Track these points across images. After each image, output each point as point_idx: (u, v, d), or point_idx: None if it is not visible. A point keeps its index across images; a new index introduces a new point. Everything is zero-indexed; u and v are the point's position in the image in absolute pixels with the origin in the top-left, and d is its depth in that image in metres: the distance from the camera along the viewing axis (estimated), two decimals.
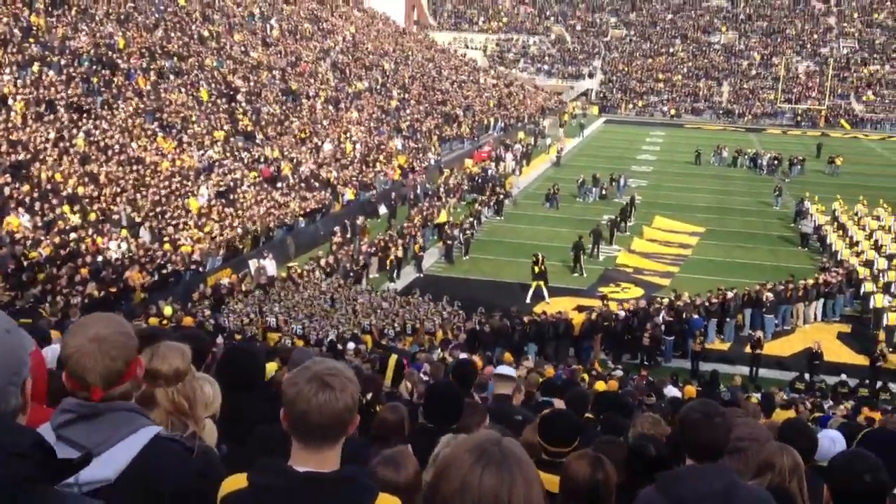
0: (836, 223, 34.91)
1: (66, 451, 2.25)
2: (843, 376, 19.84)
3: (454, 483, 1.74)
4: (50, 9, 35.00)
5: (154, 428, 2.49)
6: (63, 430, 2.37)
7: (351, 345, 18.57)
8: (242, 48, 45.90)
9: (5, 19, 31.91)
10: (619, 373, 18.60)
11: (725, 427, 3.61)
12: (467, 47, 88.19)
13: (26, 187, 24.07)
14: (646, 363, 22.28)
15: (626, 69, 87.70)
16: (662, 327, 22.90)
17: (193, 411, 3.16)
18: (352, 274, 28.17)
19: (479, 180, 43.48)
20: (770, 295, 24.64)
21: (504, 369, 7.40)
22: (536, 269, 27.10)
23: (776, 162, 50.95)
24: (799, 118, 75.66)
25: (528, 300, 27.01)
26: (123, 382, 2.49)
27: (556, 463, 4.45)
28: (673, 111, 79.40)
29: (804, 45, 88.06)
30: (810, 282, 26.03)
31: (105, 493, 2.32)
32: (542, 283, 27.24)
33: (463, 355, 16.44)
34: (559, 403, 7.70)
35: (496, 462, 1.75)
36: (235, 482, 2.48)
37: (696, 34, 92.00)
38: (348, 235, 32.27)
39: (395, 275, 29.13)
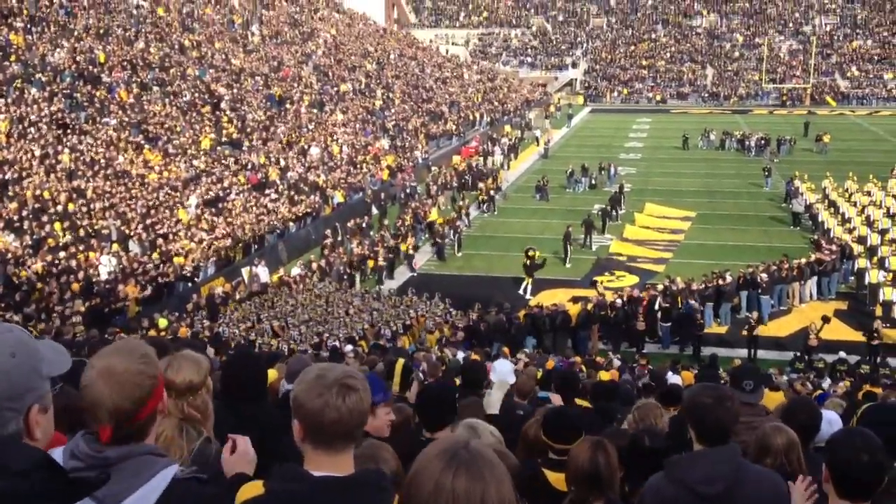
0: (826, 201, 34.92)
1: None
2: (842, 354, 19.81)
3: (427, 488, 1.75)
4: (29, 26, 34.83)
5: (169, 471, 2.35)
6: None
7: (349, 347, 18.52)
8: (224, 56, 45.74)
9: None
10: (618, 362, 18.56)
11: (735, 411, 3.68)
12: (450, 43, 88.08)
13: (13, 206, 23.93)
14: (639, 350, 22.24)
15: (609, 57, 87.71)
16: (659, 314, 22.88)
17: (204, 422, 3.16)
18: (345, 277, 28.10)
19: (468, 176, 43.41)
20: (765, 276, 24.63)
21: (503, 367, 7.35)
22: (526, 262, 27.09)
23: (764, 142, 51.00)
24: (784, 98, 75.74)
25: (521, 292, 27.03)
26: (138, 420, 2.33)
27: (562, 462, 4.44)
28: (658, 97, 79.42)
29: (786, 24, 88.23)
30: (804, 261, 26.04)
31: None
32: (529, 279, 27.23)
33: (461, 353, 16.41)
34: (556, 399, 7.67)
35: (466, 465, 1.76)
36: (252, 489, 2.54)
37: (677, 18, 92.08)
38: (339, 238, 32.19)
39: (383, 276, 29.01)
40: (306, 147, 40.19)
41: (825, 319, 21.73)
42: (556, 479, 4.30)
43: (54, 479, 1.73)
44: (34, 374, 1.86)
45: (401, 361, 6.97)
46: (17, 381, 1.81)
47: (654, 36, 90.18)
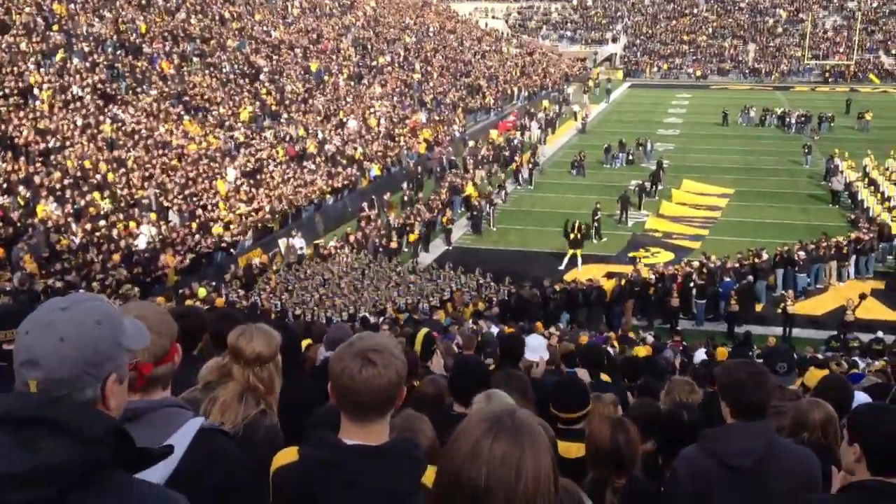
0: (867, 179, 34.45)
1: None
2: (879, 333, 19.64)
3: (465, 449, 1.76)
4: None
5: (196, 421, 2.51)
6: None
7: (382, 319, 18.67)
8: (264, 28, 45.90)
9: (28, 9, 32.11)
10: (651, 338, 18.56)
11: (770, 387, 3.74)
12: (489, 17, 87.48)
13: (56, 175, 24.33)
14: (674, 327, 22.18)
15: (649, 32, 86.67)
16: (694, 290, 22.80)
17: (267, 395, 3.26)
18: (381, 249, 28.27)
19: (506, 150, 43.31)
20: (802, 254, 24.42)
21: (534, 342, 7.41)
22: (572, 235, 27.06)
23: (805, 119, 50.25)
24: (827, 74, 74.41)
25: (561, 267, 27.06)
26: (166, 362, 2.62)
27: (570, 430, 4.50)
28: (698, 72, 78.39)
29: (830, 0, 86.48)
30: (843, 239, 25.76)
31: None
32: (577, 251, 27.22)
33: (494, 327, 16.51)
34: (582, 374, 7.71)
35: (508, 431, 1.76)
36: (287, 456, 2.58)
37: None
38: (376, 211, 32.34)
39: (419, 249, 29.15)
40: (344, 119, 40.30)
41: (862, 297, 21.55)
42: (564, 447, 4.32)
43: (124, 447, 1.78)
44: (116, 345, 1.90)
45: (423, 331, 7.03)
46: (100, 348, 1.85)
47: (695, 11, 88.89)
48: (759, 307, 23.60)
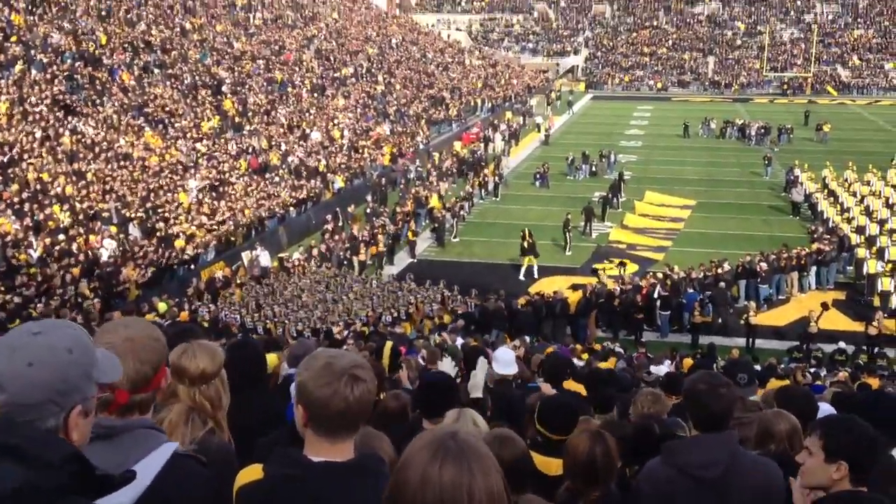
0: (826, 190, 34.92)
1: None
2: (841, 344, 19.86)
3: (414, 479, 1.74)
4: (30, 7, 34.69)
5: (170, 446, 2.45)
6: None
7: (347, 333, 18.55)
8: (225, 39, 45.60)
9: None
10: (618, 350, 18.61)
11: (730, 397, 3.69)
12: (452, 28, 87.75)
13: (14, 188, 23.92)
14: (638, 339, 22.25)
15: (610, 44, 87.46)
16: (658, 302, 22.91)
17: (215, 412, 3.18)
18: (345, 262, 28.12)
19: (469, 162, 43.35)
20: (764, 265, 24.66)
21: (504, 356, 7.36)
22: (525, 244, 27.15)
23: (764, 131, 50.91)
24: (785, 86, 75.55)
25: (521, 277, 27.12)
26: (148, 390, 2.51)
27: (551, 446, 4.46)
28: (659, 84, 79.27)
29: (788, 13, 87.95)
30: (803, 250, 26.07)
31: None
32: (531, 258, 27.30)
33: (459, 339, 16.43)
34: (546, 388, 7.68)
35: (453, 455, 1.74)
36: (251, 473, 2.53)
37: (679, 5, 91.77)
38: (340, 223, 32.18)
39: (384, 261, 29.04)
40: (307, 131, 40.12)
41: (824, 307, 21.80)
42: (543, 462, 4.30)
43: (83, 473, 1.73)
44: (85, 376, 1.86)
45: (389, 343, 7.00)
46: (69, 377, 1.81)
47: (655, 23, 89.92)
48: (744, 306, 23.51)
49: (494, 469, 1.78)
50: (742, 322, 22.38)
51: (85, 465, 1.74)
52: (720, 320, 22.91)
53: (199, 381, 3.14)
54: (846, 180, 35.87)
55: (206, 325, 18.79)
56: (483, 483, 1.73)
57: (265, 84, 43.05)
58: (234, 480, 2.60)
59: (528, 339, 18.81)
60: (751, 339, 21.99)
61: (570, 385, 8.53)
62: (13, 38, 31.69)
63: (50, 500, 1.66)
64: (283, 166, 35.18)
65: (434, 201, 34.09)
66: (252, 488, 2.49)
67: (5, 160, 24.97)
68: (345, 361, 2.44)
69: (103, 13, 38.20)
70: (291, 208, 32.15)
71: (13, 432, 1.69)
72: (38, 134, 27.15)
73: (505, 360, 7.49)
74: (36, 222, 22.97)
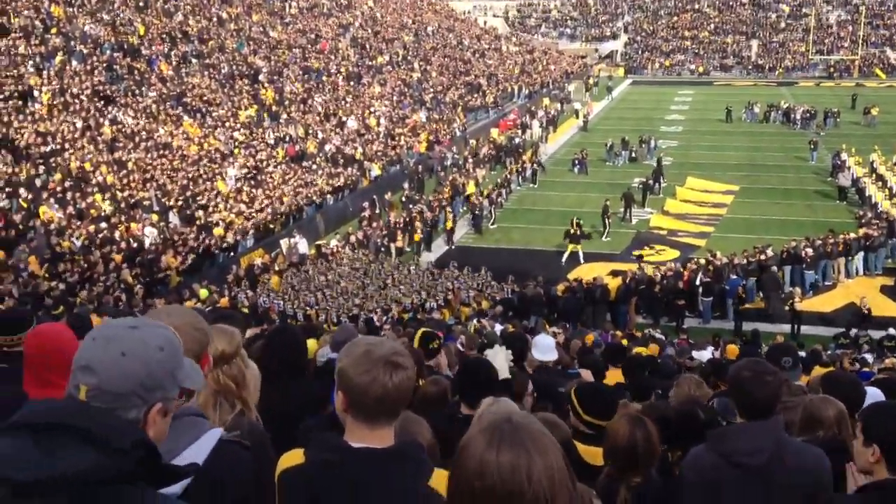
0: (874, 174, 34.22)
1: None
2: (891, 330, 19.43)
3: (472, 466, 1.76)
4: None
5: (215, 431, 2.52)
6: None
7: (386, 318, 18.51)
8: (261, 28, 45.77)
9: (26, 12, 32.01)
10: (659, 336, 18.36)
11: (776, 385, 3.67)
12: (488, 15, 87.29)
13: (57, 177, 24.20)
14: (680, 326, 21.98)
15: (650, 28, 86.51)
16: (700, 288, 22.58)
17: (240, 392, 3.19)
18: (382, 249, 28.12)
19: (507, 149, 43.13)
20: (810, 250, 24.22)
21: (544, 342, 7.24)
22: (573, 231, 26.96)
23: (810, 115, 50.00)
24: (832, 69, 74.15)
25: (563, 262, 26.97)
26: None
27: (596, 435, 4.42)
28: (701, 69, 78.18)
29: None
30: (850, 235, 25.55)
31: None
32: (577, 246, 27.10)
33: (498, 325, 16.31)
34: (586, 375, 7.58)
35: (509, 439, 1.76)
36: (292, 458, 2.58)
37: None
38: (377, 210, 32.20)
39: (421, 248, 29.02)
40: (344, 119, 40.15)
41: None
42: (587, 451, 4.28)
43: (150, 461, 1.78)
44: (171, 376, 1.93)
45: (421, 330, 6.98)
46: (156, 373, 1.88)
47: (697, 6, 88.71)
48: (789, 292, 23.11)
49: (553, 447, 1.78)
50: (787, 308, 21.97)
51: (153, 454, 1.79)
52: (771, 305, 22.53)
53: (220, 363, 3.14)
54: (895, 164, 35.10)
55: (245, 311, 18.84)
56: (542, 463, 1.73)
57: (301, 73, 43.12)
58: (267, 461, 2.69)
59: (567, 325, 18.65)
60: (796, 326, 21.61)
61: (612, 374, 8.45)
62: (53, 30, 32.04)
63: (116, 484, 1.71)
64: (320, 154, 35.24)
65: (471, 188, 33.96)
66: (294, 473, 2.54)
67: (48, 150, 25.25)
68: (385, 349, 2.48)
69: (141, 4, 38.48)
70: (329, 196, 32.22)
71: (93, 417, 1.75)
72: (80, 124, 27.46)
73: (545, 346, 7.47)
74: (78, 210, 23.26)
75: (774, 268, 23.45)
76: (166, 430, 1.99)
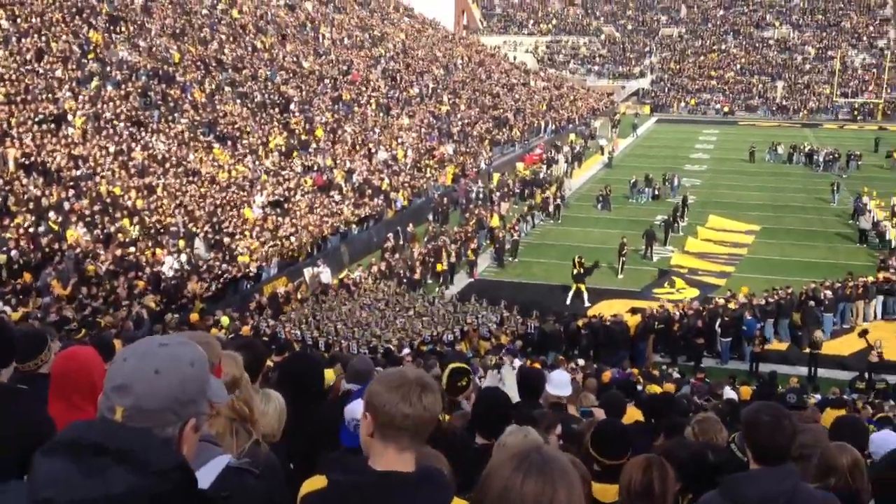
0: (895, 218, 34.15)
1: None
2: None
3: (496, 489, 1.77)
4: (108, 25, 35.79)
5: (223, 458, 2.49)
6: None
7: (406, 350, 18.70)
8: (294, 58, 46.45)
9: (65, 37, 32.71)
10: (676, 375, 18.45)
11: (792, 430, 3.63)
12: (517, 50, 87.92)
13: (86, 201, 24.63)
14: (697, 365, 21.99)
15: (677, 67, 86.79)
16: (719, 329, 22.62)
17: (252, 415, 3.21)
18: (405, 280, 28.32)
19: (532, 184, 43.40)
20: (828, 293, 24.20)
21: (559, 378, 7.39)
22: (575, 270, 27.10)
23: (833, 157, 49.97)
24: (856, 112, 74.03)
25: (567, 302, 27.02)
26: None
27: (606, 472, 4.43)
28: (726, 108, 78.29)
29: (860, 38, 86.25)
30: (870, 279, 25.53)
31: None
32: (581, 285, 27.22)
33: (517, 361, 16.47)
34: (598, 413, 7.66)
35: (537, 469, 1.77)
36: (315, 482, 2.54)
37: (748, 29, 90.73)
38: (401, 242, 32.44)
39: (446, 279, 29.21)
40: (373, 149, 40.58)
41: (863, 334, 21.47)
42: (602, 490, 4.27)
43: (187, 484, 1.80)
44: (201, 392, 1.96)
45: (451, 365, 7.04)
46: (188, 389, 1.89)
47: (724, 47, 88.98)
48: (783, 346, 23.35)
49: (577, 483, 1.80)
50: (806, 350, 21.97)
51: (189, 477, 1.81)
52: (808, 340, 22.45)
53: (232, 388, 3.15)
54: None
55: (266, 339, 19.08)
56: (566, 498, 1.74)
57: (331, 103, 43.68)
58: (280, 491, 2.65)
59: (582, 361, 18.75)
60: (813, 368, 21.57)
61: (632, 412, 8.49)
62: (90, 55, 32.73)
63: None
64: (347, 184, 35.61)
65: (494, 221, 34.19)
66: (316, 497, 2.50)
67: (79, 174, 25.73)
68: (415, 373, 2.50)
69: (178, 31, 39.23)
70: (353, 226, 32.52)
71: (133, 438, 1.76)
72: (112, 149, 27.93)
73: (560, 381, 7.45)
74: (106, 234, 23.60)
75: (812, 303, 23.35)
76: (195, 447, 2.00)
